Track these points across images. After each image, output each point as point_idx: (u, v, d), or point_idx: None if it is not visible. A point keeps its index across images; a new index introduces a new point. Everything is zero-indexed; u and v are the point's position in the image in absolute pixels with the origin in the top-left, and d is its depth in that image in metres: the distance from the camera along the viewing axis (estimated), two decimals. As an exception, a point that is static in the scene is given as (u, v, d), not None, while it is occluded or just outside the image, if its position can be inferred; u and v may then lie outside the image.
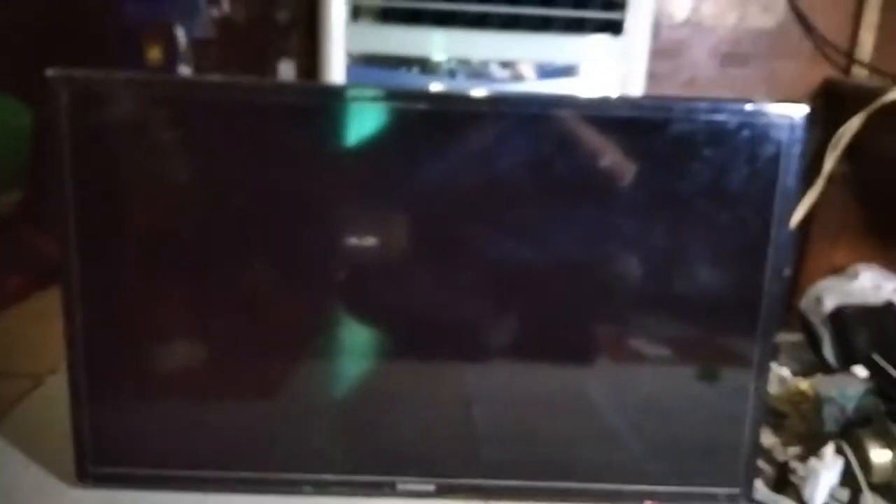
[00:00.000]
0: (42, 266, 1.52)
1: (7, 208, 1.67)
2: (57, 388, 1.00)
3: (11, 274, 1.64)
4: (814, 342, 1.37)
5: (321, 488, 1.02)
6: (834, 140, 1.37)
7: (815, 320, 1.37)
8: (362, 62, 1.22)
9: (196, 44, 1.55)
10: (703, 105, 0.91)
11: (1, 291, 1.59)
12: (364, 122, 0.93)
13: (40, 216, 1.54)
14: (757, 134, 0.91)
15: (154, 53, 1.57)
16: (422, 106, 0.93)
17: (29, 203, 1.68)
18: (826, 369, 1.31)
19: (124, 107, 0.93)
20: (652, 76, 1.55)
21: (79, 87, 0.91)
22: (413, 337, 1.02)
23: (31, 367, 1.31)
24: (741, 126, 0.90)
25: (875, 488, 1.01)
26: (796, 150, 0.91)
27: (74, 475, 1.01)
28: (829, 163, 1.39)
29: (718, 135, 0.91)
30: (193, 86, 0.97)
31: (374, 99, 0.93)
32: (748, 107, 0.91)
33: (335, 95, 0.97)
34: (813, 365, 1.36)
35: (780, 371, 1.32)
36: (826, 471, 1.00)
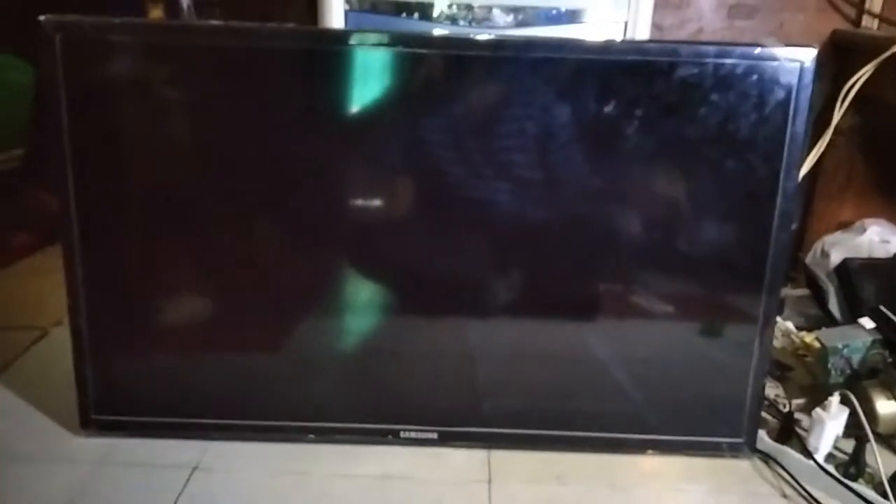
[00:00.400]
0: (48, 222, 1.52)
1: (10, 164, 1.66)
2: (62, 340, 1.01)
3: (18, 230, 1.64)
4: (819, 296, 1.37)
5: (325, 435, 1.02)
6: (843, 92, 1.35)
7: (821, 274, 1.36)
8: (361, 9, 1.20)
9: (199, 5, 1.53)
10: (710, 49, 0.89)
11: (7, 247, 1.60)
12: (367, 68, 0.92)
13: (44, 172, 1.53)
14: (766, 78, 0.89)
15: (156, 14, 1.55)
16: (427, 51, 0.91)
17: (32, 159, 1.67)
18: (831, 323, 1.31)
19: (119, 53, 0.91)
20: (658, 28, 1.52)
21: (72, 32, 0.89)
22: (419, 289, 1.01)
23: (36, 319, 1.31)
24: (750, 70, 0.89)
25: (880, 438, 1.01)
26: (806, 94, 0.89)
27: (78, 423, 1.02)
28: (838, 115, 1.36)
29: (726, 79, 0.89)
30: (191, 31, 0.95)
31: (379, 44, 0.91)
32: (757, 51, 0.89)
33: (338, 40, 0.94)
34: (818, 319, 1.35)
35: (786, 325, 1.32)
36: (831, 421, 0.99)
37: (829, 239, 1.42)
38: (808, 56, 0.89)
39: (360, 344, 1.03)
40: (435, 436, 1.02)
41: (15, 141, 1.67)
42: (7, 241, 1.61)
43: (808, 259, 1.42)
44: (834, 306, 1.33)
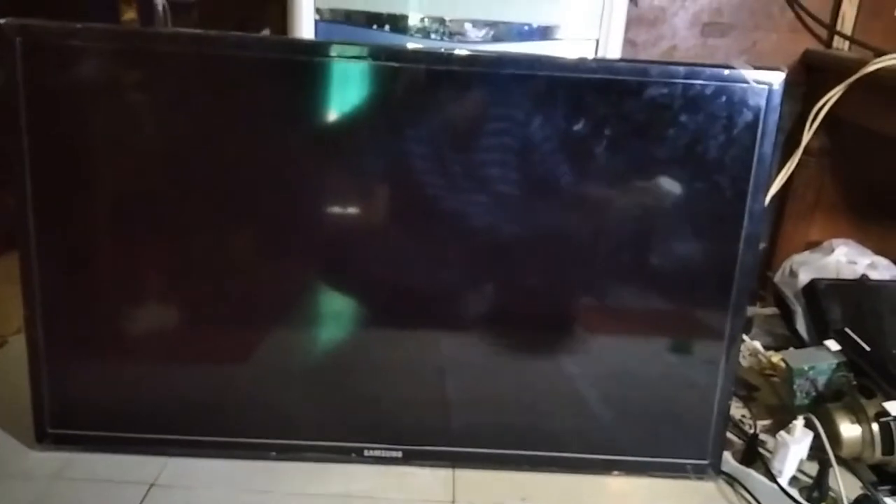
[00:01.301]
0: (10, 226, 1.49)
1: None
2: (21, 350, 0.98)
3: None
4: (787, 316, 1.37)
5: (287, 453, 1.00)
6: (813, 113, 1.36)
7: (789, 294, 1.37)
8: (332, 19, 1.18)
9: (175, 8, 1.51)
10: (680, 69, 0.89)
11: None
12: (338, 80, 0.90)
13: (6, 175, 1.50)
14: (735, 100, 0.89)
15: (130, 15, 1.53)
16: (398, 64, 0.90)
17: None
18: (799, 343, 1.31)
19: (81, 57, 0.89)
20: (632, 44, 1.53)
21: (33, 35, 0.87)
22: (386, 304, 1.00)
23: (-3, 327, 1.28)
24: (719, 92, 0.88)
25: (844, 463, 1.02)
26: (774, 117, 0.89)
27: (34, 437, 0.99)
28: (808, 135, 1.37)
29: (696, 100, 0.89)
30: (154, 38, 0.93)
31: (351, 56, 0.89)
32: (726, 72, 0.88)
33: (307, 51, 0.92)
34: (786, 339, 1.36)
35: (753, 344, 1.33)
36: (795, 444, 0.99)
37: (797, 258, 1.43)
38: (776, 79, 0.89)
39: (325, 359, 1.01)
40: (399, 454, 1.00)
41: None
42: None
43: (777, 278, 1.43)
44: (801, 327, 1.33)
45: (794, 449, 0.99)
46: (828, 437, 1.00)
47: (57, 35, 0.88)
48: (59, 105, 0.90)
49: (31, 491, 0.92)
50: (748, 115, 0.89)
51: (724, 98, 0.89)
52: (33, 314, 0.95)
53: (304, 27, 1.19)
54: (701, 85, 0.88)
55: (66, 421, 0.99)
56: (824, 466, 0.98)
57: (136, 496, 0.92)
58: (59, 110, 0.91)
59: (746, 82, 0.88)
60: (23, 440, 1.00)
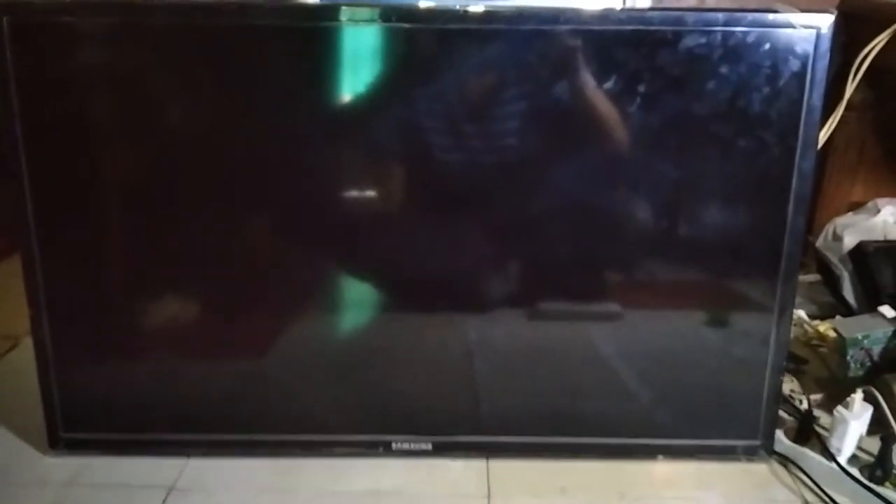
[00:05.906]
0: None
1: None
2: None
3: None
4: (832, 282, 1.30)
5: (311, 450, 0.96)
6: (855, 65, 1.28)
7: (833, 258, 1.30)
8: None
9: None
10: (719, 16, 0.81)
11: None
12: (345, 45, 0.84)
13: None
14: (780, 47, 0.81)
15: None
16: (410, 25, 0.83)
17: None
18: (846, 310, 1.24)
19: (74, 35, 0.84)
20: (658, -5, 1.44)
21: (22, 14, 0.82)
22: (409, 287, 0.94)
23: (8, 328, 1.25)
24: (762, 39, 0.81)
25: (907, 437, 0.95)
26: (822, 64, 0.82)
27: (47, 442, 0.96)
28: (850, 88, 1.29)
29: (737, 49, 0.81)
30: (151, 10, 0.86)
31: (358, 20, 0.83)
32: (770, 16, 0.81)
33: (311, 16, 0.85)
34: (831, 306, 1.29)
35: (797, 313, 1.25)
36: (854, 420, 0.93)
37: (840, 221, 1.35)
38: (825, 22, 0.81)
39: (347, 349, 0.96)
40: (429, 446, 0.95)
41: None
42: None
43: (819, 242, 1.35)
44: (848, 292, 1.26)
45: (853, 425, 0.93)
46: (890, 410, 0.93)
47: (46, 12, 0.82)
48: (53, 88, 0.85)
49: (46, 499, 0.89)
50: (795, 64, 0.82)
51: (767, 45, 0.81)
52: (39, 314, 0.91)
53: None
54: (742, 32, 0.81)
55: (79, 425, 0.96)
56: (887, 443, 0.91)
57: (155, 501, 0.88)
58: (54, 94, 0.85)
59: (792, 27, 0.81)
60: (36, 446, 0.97)
